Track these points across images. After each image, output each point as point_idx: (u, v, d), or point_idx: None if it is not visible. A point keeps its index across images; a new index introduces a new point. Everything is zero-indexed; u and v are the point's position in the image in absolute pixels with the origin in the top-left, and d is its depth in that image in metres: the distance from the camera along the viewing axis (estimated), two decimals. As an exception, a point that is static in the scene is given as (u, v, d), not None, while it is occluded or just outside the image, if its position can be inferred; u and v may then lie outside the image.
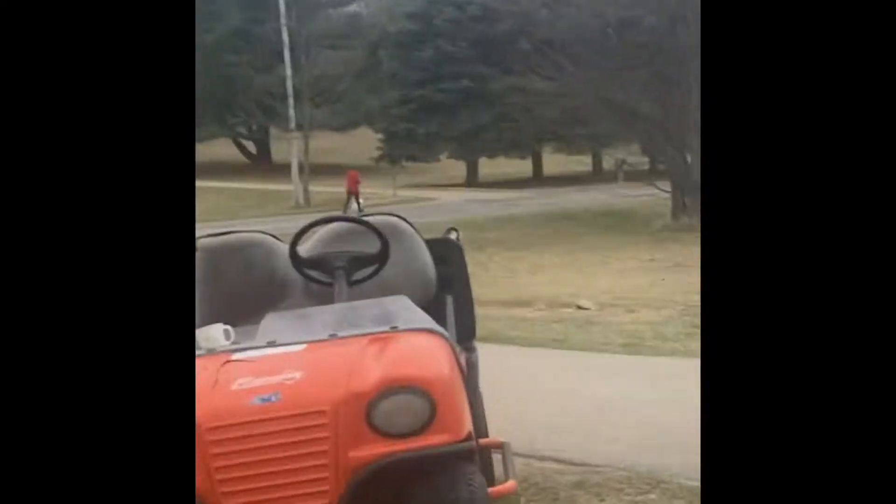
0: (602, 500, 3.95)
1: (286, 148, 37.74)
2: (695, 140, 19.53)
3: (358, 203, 29.08)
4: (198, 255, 3.54)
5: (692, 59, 18.04)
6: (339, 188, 36.75)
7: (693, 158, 20.85)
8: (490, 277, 13.95)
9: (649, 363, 6.74)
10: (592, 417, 5.21)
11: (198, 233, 4.03)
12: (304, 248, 3.61)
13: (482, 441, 3.01)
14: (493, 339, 8.13)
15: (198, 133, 44.37)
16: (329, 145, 49.85)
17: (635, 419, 5.08)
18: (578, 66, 22.81)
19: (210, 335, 2.91)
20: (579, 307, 10.19)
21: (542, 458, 4.49)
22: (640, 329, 8.49)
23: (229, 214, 32.04)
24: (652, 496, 3.94)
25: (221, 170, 45.18)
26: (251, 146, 50.18)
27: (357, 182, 29.68)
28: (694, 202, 20.49)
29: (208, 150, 48.44)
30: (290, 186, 34.83)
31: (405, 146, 41.25)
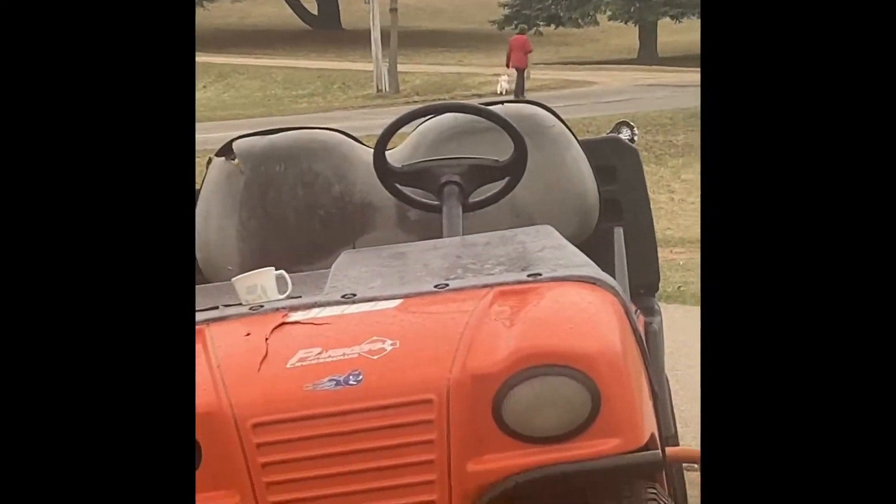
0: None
1: (362, 6, 37.94)
2: None
3: (524, 85, 29.15)
4: (233, 164, 3.62)
5: None
6: (440, 66, 36.87)
7: None
8: (676, 204, 13.86)
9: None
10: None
11: (233, 132, 4.10)
12: (396, 154, 3.64)
13: (671, 451, 2.99)
14: (681, 298, 8.10)
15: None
16: (427, 1, 49.95)
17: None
18: None
19: (256, 284, 2.96)
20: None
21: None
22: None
23: (279, 107, 32.51)
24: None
25: (266, 39, 45.80)
26: (311, 3, 50.65)
27: (527, 51, 29.66)
28: None
29: (247, 8, 49.09)
30: (370, 64, 35.09)
31: (544, 2, 41.08)
